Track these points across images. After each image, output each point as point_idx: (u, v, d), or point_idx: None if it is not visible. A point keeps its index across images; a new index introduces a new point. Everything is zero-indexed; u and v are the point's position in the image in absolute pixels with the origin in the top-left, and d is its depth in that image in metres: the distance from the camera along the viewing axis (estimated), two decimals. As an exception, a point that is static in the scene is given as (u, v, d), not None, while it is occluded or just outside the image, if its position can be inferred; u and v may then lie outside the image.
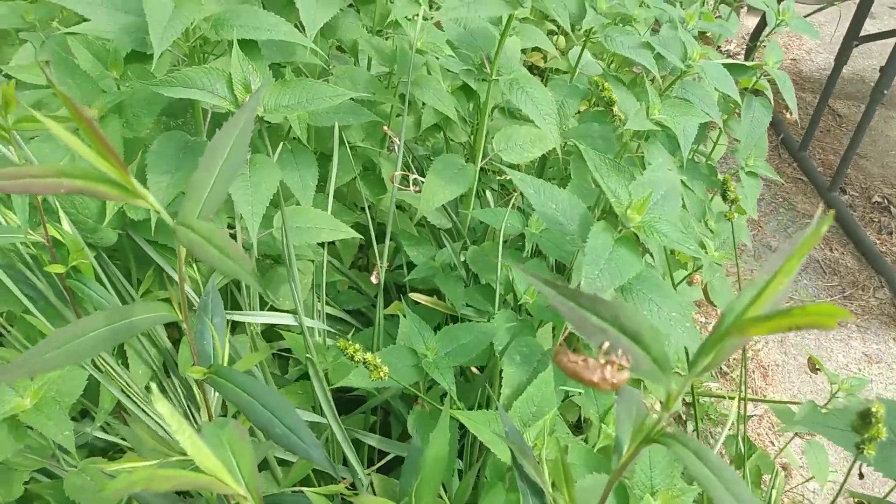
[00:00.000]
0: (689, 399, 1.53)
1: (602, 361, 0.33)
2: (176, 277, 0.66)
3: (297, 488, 0.56)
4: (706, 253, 0.91)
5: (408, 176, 0.98)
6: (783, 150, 2.59)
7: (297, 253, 1.05)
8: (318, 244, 1.16)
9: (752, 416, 1.56)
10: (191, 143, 0.87)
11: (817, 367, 1.24)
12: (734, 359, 1.75)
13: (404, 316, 0.85)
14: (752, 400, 1.30)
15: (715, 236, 1.00)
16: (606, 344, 0.33)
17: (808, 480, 1.45)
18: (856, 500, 0.87)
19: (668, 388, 0.36)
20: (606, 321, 0.34)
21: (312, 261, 1.08)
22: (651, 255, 0.90)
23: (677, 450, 0.37)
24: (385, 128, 1.11)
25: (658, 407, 1.20)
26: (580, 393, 0.79)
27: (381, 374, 0.63)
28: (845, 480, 1.03)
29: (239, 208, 0.73)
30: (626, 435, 0.43)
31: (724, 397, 1.39)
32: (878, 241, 2.16)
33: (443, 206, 1.19)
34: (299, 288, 0.89)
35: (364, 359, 0.62)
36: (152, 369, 0.90)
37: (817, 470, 1.22)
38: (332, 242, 1.30)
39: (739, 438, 1.15)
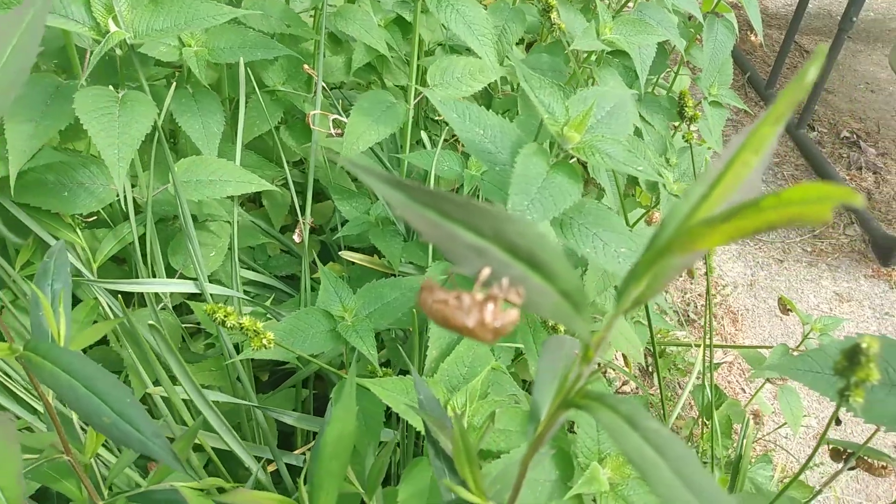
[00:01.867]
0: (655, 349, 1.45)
1: (480, 297, 0.22)
2: (53, 244, 0.54)
3: (166, 484, 0.45)
4: (664, 185, 0.81)
5: (327, 116, 0.86)
6: (750, 89, 2.49)
7: (208, 212, 0.93)
8: (240, 203, 1.04)
9: (723, 363, 1.48)
10: (62, 87, 0.74)
11: (788, 308, 1.16)
12: (702, 305, 1.68)
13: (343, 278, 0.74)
14: (721, 346, 1.22)
15: (674, 168, 0.90)
16: (486, 272, 0.22)
17: (780, 427, 1.39)
18: (830, 446, 0.79)
19: (584, 332, 0.25)
20: (486, 238, 0.23)
21: (229, 221, 0.96)
22: (602, 190, 0.80)
23: (602, 416, 0.26)
24: (306, 67, 0.98)
25: (621, 363, 1.10)
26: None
27: (265, 341, 0.52)
28: (826, 429, 0.95)
29: (103, 152, 0.60)
30: (546, 398, 0.33)
31: (691, 345, 1.31)
32: (847, 177, 2.09)
33: (376, 154, 1.07)
34: (199, 251, 0.77)
35: (240, 324, 0.51)
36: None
37: (790, 415, 1.15)
38: (261, 203, 1.18)
39: (707, 387, 1.07)
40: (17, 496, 0.27)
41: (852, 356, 0.35)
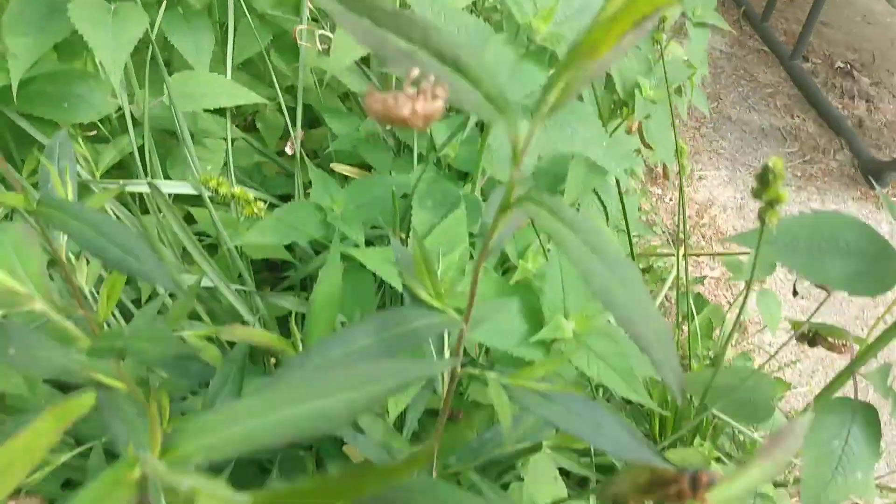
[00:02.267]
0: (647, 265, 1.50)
1: (411, 92, 0.26)
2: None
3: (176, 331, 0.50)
4: (639, 90, 0.84)
5: (312, 31, 0.89)
6: (745, 23, 2.48)
7: (203, 128, 0.97)
8: (235, 124, 1.08)
9: (709, 277, 1.53)
10: (55, 3, 0.78)
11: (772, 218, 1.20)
12: (691, 226, 1.72)
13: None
14: (699, 254, 1.26)
15: (649, 76, 0.93)
16: (415, 72, 0.27)
17: (761, 330, 1.45)
18: (793, 324, 0.84)
19: (510, 130, 0.29)
20: (415, 43, 0.27)
21: (224, 139, 1.00)
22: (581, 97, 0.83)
23: (530, 211, 0.31)
24: (292, -13, 1.01)
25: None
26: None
27: (256, 209, 0.57)
28: (795, 287, 1.00)
29: (98, 55, 0.64)
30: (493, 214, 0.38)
31: (671, 255, 1.35)
32: (839, 106, 2.10)
33: (362, 69, 1.10)
34: (196, 159, 0.81)
35: (233, 193, 0.56)
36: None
37: (768, 317, 1.20)
38: (255, 127, 1.22)
39: (689, 293, 1.12)
40: (41, 283, 0.32)
41: (763, 177, 0.39)
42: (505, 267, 0.90)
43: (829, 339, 0.86)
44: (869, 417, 0.75)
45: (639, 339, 0.28)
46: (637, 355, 0.67)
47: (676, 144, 0.85)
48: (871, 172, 1.88)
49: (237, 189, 0.57)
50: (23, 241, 0.33)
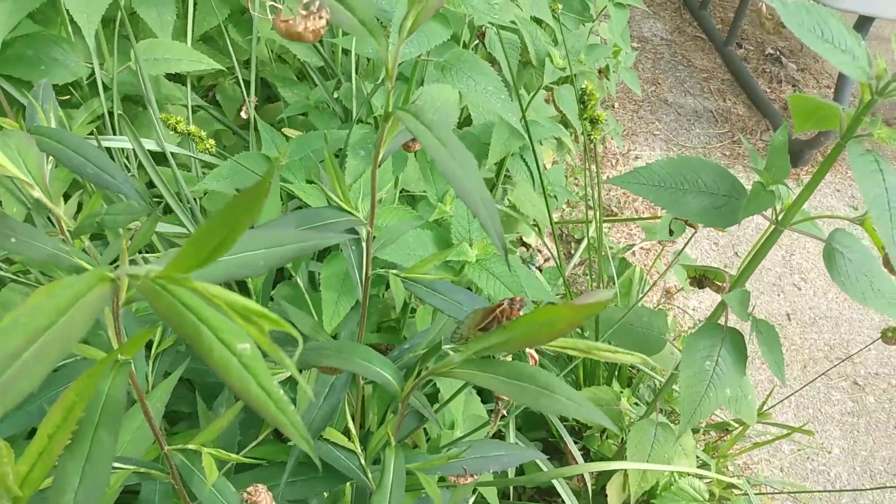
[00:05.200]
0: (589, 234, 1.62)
1: (304, 13, 0.38)
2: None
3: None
4: (550, 59, 0.96)
5: (264, 2, 0.99)
6: (685, 11, 2.63)
7: (166, 93, 1.07)
8: (194, 92, 1.18)
9: (637, 246, 1.67)
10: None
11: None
12: (625, 202, 1.86)
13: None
14: (615, 220, 1.40)
15: (558, 47, 1.05)
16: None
17: (679, 290, 1.59)
18: (686, 269, 0.97)
19: (380, 49, 0.41)
20: None
21: (185, 106, 1.10)
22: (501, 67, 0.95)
23: (402, 116, 0.43)
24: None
25: (534, 242, 1.28)
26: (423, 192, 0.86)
27: (208, 145, 0.68)
28: (682, 249, 1.14)
29: (74, 15, 0.74)
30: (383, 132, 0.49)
31: (583, 222, 1.48)
32: (768, 90, 2.27)
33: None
34: (160, 121, 0.91)
35: (188, 130, 0.67)
36: (26, 207, 0.93)
37: (682, 278, 1.34)
38: (215, 98, 1.32)
39: (610, 258, 1.25)
40: (40, 176, 0.43)
41: (582, 99, 0.51)
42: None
43: (716, 281, 0.99)
44: (736, 340, 0.88)
45: (471, 204, 0.40)
46: (527, 278, 0.79)
47: (579, 110, 0.97)
48: (792, 153, 2.04)
49: (192, 127, 0.67)
50: (24, 145, 0.44)
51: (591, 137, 0.67)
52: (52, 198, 0.44)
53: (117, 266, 0.42)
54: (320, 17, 0.38)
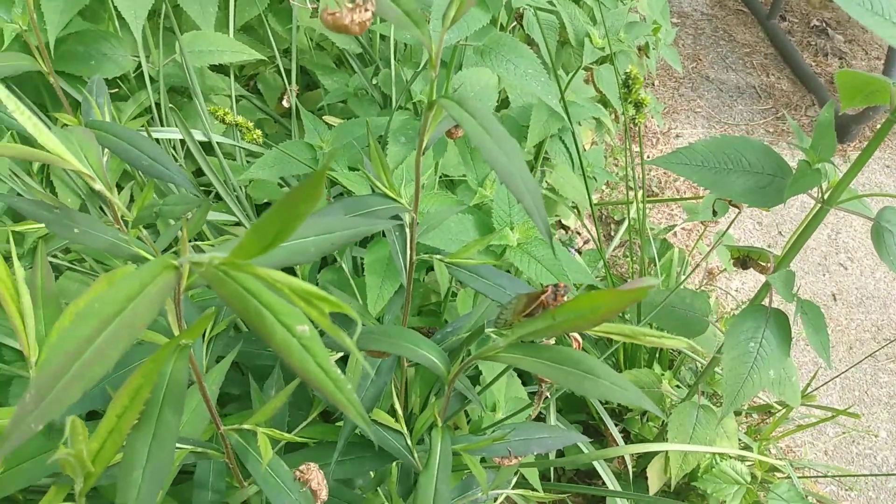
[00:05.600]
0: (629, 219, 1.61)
1: (350, 6, 0.39)
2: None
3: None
4: (589, 39, 0.96)
5: (303, -7, 1.01)
6: (727, -15, 2.57)
7: (210, 84, 1.10)
8: (236, 82, 1.20)
9: (682, 228, 1.65)
10: (82, -29, 0.90)
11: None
12: (665, 182, 1.84)
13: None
14: (657, 201, 1.38)
15: (598, 26, 1.04)
16: None
17: (721, 272, 1.57)
18: (729, 250, 0.96)
19: (424, 39, 0.42)
20: None
21: (229, 96, 1.13)
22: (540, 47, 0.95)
23: (445, 104, 0.43)
24: (285, -43, 1.12)
25: (573, 224, 1.28)
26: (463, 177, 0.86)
27: (255, 136, 0.69)
28: (725, 232, 1.12)
29: (123, 12, 0.77)
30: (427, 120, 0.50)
31: (623, 203, 1.47)
32: (813, 63, 2.20)
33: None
34: (206, 112, 0.94)
35: (235, 121, 0.68)
36: (80, 197, 0.96)
37: (725, 259, 1.33)
38: (257, 88, 1.34)
39: (652, 239, 1.24)
40: (100, 169, 0.45)
41: (626, 83, 0.51)
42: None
43: (760, 262, 0.98)
44: (780, 322, 0.87)
45: (516, 191, 0.41)
46: (568, 261, 0.80)
47: (623, 94, 0.97)
48: (840, 128, 1.98)
49: (240, 118, 0.69)
50: (85, 140, 0.46)
51: (636, 121, 0.66)
52: (110, 189, 0.47)
53: (175, 253, 0.44)
54: (366, 10, 0.39)
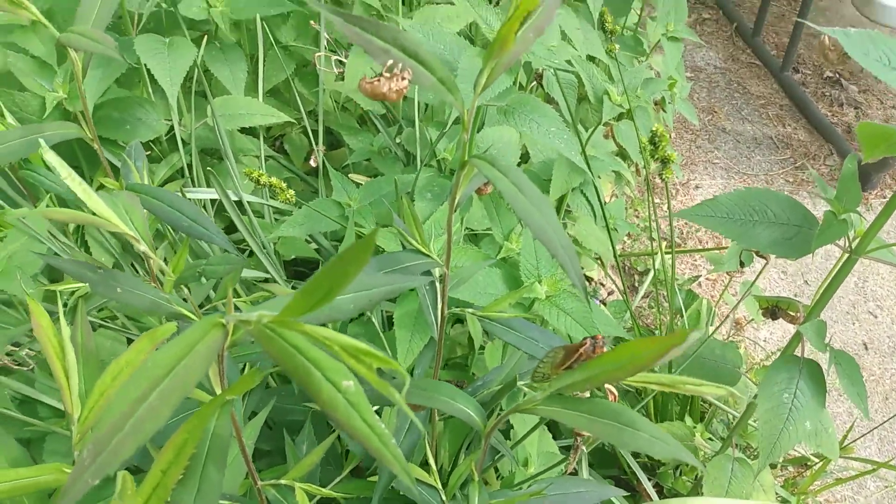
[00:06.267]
0: (645, 268, 1.61)
1: (388, 75, 0.41)
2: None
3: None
4: (608, 97, 0.98)
5: (329, 57, 1.05)
6: (738, 38, 2.62)
7: (240, 147, 1.13)
8: (265, 143, 1.24)
9: (705, 277, 1.64)
10: (120, 40, 0.94)
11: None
12: (687, 231, 1.84)
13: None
14: (682, 252, 1.38)
15: (616, 84, 1.07)
16: (390, 62, 0.41)
17: (748, 322, 1.55)
18: (758, 300, 0.96)
19: (456, 103, 0.44)
20: (388, 42, 0.41)
21: (258, 157, 1.16)
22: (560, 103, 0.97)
23: (477, 163, 0.45)
24: (312, 23, 1.17)
25: (596, 276, 1.29)
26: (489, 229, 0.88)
27: (288, 196, 0.71)
28: (754, 281, 1.12)
29: (159, 79, 0.80)
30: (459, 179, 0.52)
31: (648, 254, 1.47)
32: (829, 114, 2.22)
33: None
34: (236, 168, 0.97)
35: (269, 182, 0.70)
36: (113, 256, 0.99)
37: (752, 309, 1.31)
38: (283, 148, 1.38)
39: (678, 290, 1.24)
40: (145, 232, 0.47)
41: (653, 140, 0.53)
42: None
43: (789, 311, 0.98)
44: (813, 372, 0.86)
45: (550, 246, 0.42)
46: (597, 313, 0.80)
47: (650, 151, 0.98)
48: (860, 176, 1.98)
49: (273, 179, 0.71)
50: (129, 203, 0.48)
51: (663, 177, 0.68)
52: (153, 250, 0.48)
53: (214, 309, 0.44)
54: (403, 79, 0.41)
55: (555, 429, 1.04)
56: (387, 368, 0.30)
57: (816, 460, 1.23)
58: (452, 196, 0.49)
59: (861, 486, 1.35)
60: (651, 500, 1.06)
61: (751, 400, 1.07)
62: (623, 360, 0.36)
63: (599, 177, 1.17)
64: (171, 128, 1.01)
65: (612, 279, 1.29)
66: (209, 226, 0.57)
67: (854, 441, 1.33)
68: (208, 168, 0.88)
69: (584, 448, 0.54)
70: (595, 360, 0.38)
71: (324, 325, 0.84)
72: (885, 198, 1.97)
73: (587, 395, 0.50)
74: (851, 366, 0.79)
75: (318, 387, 0.31)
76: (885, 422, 1.43)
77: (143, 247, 0.47)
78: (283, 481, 0.51)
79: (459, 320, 1.09)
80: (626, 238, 1.76)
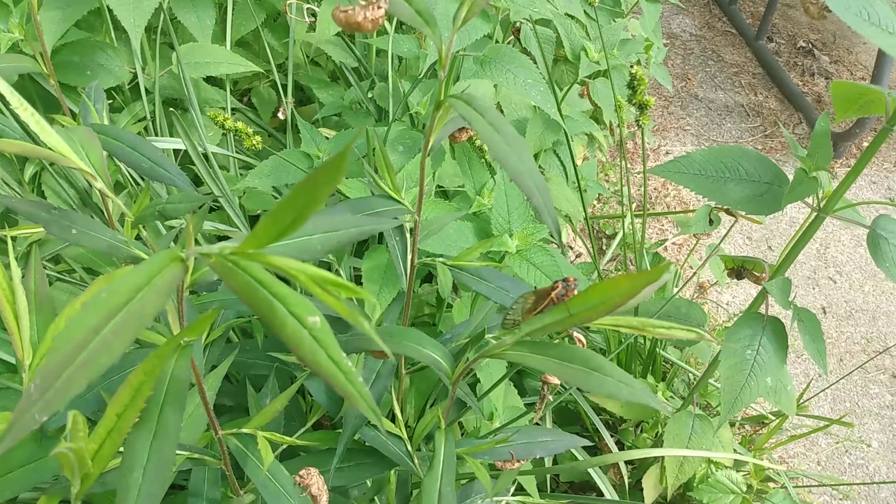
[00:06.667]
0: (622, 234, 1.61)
1: (364, 3, 0.39)
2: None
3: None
4: (585, 53, 0.96)
5: (302, 5, 1.01)
6: (714, 6, 2.61)
7: (205, 97, 1.09)
8: (233, 97, 1.20)
9: (672, 242, 1.66)
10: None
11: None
12: (656, 197, 1.85)
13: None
14: (652, 215, 1.39)
15: (594, 41, 1.05)
16: None
17: (712, 285, 1.58)
18: (724, 260, 0.97)
19: (435, 39, 0.42)
20: None
21: (223, 108, 1.12)
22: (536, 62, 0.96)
23: (454, 103, 0.44)
24: (281, -30, 1.13)
25: (565, 238, 1.28)
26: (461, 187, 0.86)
27: (254, 142, 0.69)
28: (720, 242, 1.13)
29: (122, 20, 0.77)
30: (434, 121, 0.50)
31: (618, 217, 1.48)
32: (800, 83, 2.24)
33: (346, 42, 1.22)
34: (201, 119, 0.93)
35: (235, 127, 0.68)
36: (71, 207, 0.95)
37: (717, 271, 1.33)
38: (251, 102, 1.34)
39: (646, 253, 1.24)
40: (101, 168, 0.45)
41: (631, 84, 0.52)
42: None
43: (754, 271, 0.99)
44: (776, 329, 0.88)
45: (526, 189, 0.41)
46: (566, 268, 0.80)
47: (628, 95, 0.97)
48: (826, 145, 2.01)
49: (239, 124, 0.69)
50: (87, 139, 0.45)
51: (640, 123, 0.67)
52: (111, 189, 0.46)
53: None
54: (379, 7, 0.39)
55: (521, 387, 1.05)
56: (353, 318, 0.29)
57: (773, 418, 1.26)
58: (426, 140, 0.48)
59: (814, 442, 1.39)
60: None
61: (712, 360, 1.09)
62: (595, 300, 0.35)
63: (572, 139, 1.16)
64: (135, 76, 0.97)
65: (581, 240, 1.29)
66: (170, 168, 0.55)
67: (808, 400, 1.37)
68: (171, 110, 0.85)
69: (550, 398, 0.54)
70: (570, 300, 0.38)
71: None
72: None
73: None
74: (813, 323, 0.80)
75: (283, 322, 0.30)
76: (837, 381, 1.47)
77: (99, 184, 0.45)
78: (245, 430, 0.50)
79: (428, 279, 1.09)
80: (595, 202, 1.76)
